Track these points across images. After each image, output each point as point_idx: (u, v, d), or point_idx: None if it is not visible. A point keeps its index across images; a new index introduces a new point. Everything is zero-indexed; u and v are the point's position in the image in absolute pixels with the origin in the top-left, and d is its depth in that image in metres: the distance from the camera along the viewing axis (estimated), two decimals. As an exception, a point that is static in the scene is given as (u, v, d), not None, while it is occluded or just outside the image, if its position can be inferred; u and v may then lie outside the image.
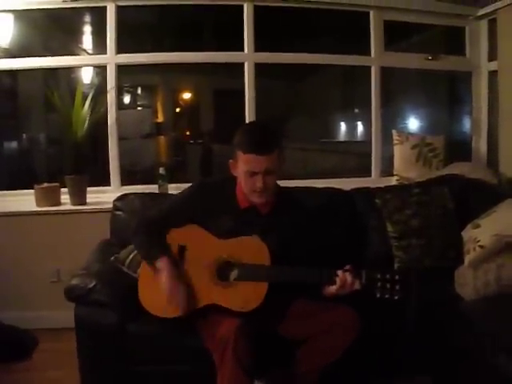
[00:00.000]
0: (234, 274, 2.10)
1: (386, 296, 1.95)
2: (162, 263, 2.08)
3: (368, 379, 2.41)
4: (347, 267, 2.01)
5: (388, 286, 1.95)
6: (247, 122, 3.67)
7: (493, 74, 3.92)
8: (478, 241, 2.54)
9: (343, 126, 8.28)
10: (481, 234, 2.58)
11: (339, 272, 1.99)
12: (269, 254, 2.07)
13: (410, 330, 2.41)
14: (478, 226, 2.66)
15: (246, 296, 2.03)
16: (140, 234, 2.19)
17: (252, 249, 2.10)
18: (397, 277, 1.96)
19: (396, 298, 1.95)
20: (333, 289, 2.00)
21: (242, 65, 3.75)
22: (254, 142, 2.04)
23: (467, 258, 2.56)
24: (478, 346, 2.09)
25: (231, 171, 2.19)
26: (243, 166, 2.06)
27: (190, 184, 2.34)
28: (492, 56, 3.92)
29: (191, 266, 2.13)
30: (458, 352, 2.29)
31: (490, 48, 3.95)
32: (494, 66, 3.85)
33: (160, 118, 7.37)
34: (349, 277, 1.98)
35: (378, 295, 1.96)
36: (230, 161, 2.16)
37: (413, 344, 2.41)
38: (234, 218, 2.17)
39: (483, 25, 4.00)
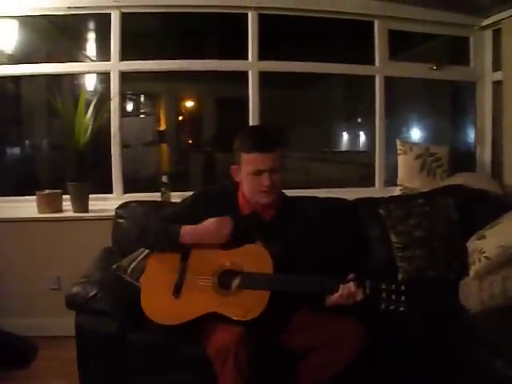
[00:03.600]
0: (235, 282, 2.06)
1: (391, 307, 1.90)
2: (186, 229, 2.09)
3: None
4: (350, 276, 1.97)
5: (393, 296, 1.90)
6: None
7: (497, 85, 3.91)
8: (484, 252, 2.51)
9: (345, 135, 8.30)
10: (486, 244, 2.56)
11: (342, 281, 1.96)
12: (271, 262, 2.04)
13: (414, 343, 2.38)
14: (483, 237, 2.64)
15: (247, 305, 1.98)
16: (149, 230, 2.17)
17: (255, 257, 2.08)
18: (402, 287, 1.91)
19: (401, 309, 1.89)
20: (335, 297, 1.95)
21: (244, 73, 3.73)
22: (256, 140, 2.08)
23: (473, 269, 2.54)
24: (484, 358, 2.06)
25: (233, 177, 2.19)
26: (248, 166, 2.08)
27: (192, 192, 2.33)
28: (496, 66, 3.90)
29: (193, 273, 2.10)
30: (464, 364, 2.26)
31: (495, 58, 3.94)
32: (498, 76, 3.83)
33: (163, 126, 7.39)
34: (352, 286, 1.93)
35: (383, 306, 1.90)
36: (232, 166, 2.17)
37: (417, 357, 2.37)
38: (235, 224, 2.14)
39: (488, 35, 3.99)
